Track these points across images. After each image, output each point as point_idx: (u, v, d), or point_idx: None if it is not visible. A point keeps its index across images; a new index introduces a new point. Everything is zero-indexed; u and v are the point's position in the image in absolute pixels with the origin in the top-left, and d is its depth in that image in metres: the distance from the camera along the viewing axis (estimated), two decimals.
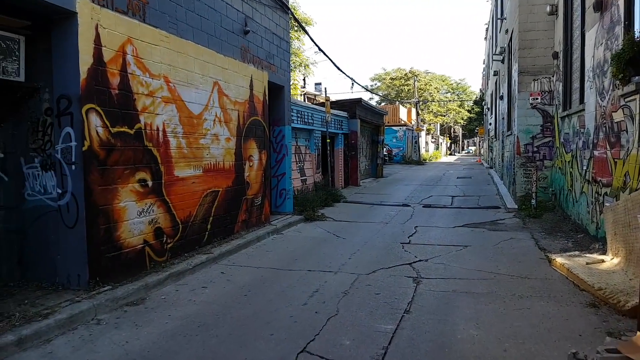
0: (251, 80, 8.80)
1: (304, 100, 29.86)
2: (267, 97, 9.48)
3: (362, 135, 21.15)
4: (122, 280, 5.46)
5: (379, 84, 62.68)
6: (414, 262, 7.02)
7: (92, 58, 5.07)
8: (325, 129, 15.03)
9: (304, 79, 34.72)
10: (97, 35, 5.14)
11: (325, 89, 15.79)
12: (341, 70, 17.74)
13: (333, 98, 23.73)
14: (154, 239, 6.10)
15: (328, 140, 14.86)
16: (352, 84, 21.96)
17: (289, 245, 8.25)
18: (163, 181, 6.27)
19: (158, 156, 6.16)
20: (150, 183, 6.01)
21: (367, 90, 27.21)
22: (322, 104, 15.37)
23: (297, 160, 13.53)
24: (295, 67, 26.82)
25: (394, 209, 12.89)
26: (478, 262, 6.94)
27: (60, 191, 5.06)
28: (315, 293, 5.59)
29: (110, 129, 5.34)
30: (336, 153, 17.85)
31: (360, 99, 18.94)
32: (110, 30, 5.34)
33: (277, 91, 10.46)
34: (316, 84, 53.10)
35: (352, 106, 18.87)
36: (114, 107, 5.39)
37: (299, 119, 13.26)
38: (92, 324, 4.58)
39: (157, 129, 6.16)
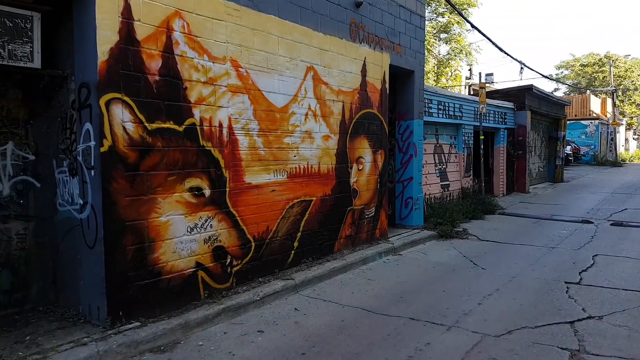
0: (364, 64, 7.14)
1: (469, 93, 26.82)
2: (387, 85, 7.72)
3: (533, 131, 17.71)
4: (161, 315, 4.37)
5: (566, 72, 54.69)
6: (579, 320, 4.67)
7: (118, 35, 4.03)
8: (478, 123, 12.53)
9: (469, 69, 31.37)
10: (127, 7, 4.09)
11: (480, 74, 13.23)
12: (505, 52, 14.79)
13: (498, 87, 20.59)
14: (212, 260, 4.92)
15: (482, 137, 12.34)
16: (522, 68, 18.44)
17: (402, 274, 6.40)
18: (227, 189, 5.06)
19: (220, 158, 4.96)
20: (207, 192, 4.83)
21: (543, 76, 23.08)
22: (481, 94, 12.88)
23: (437, 161, 11.38)
24: (455, 55, 24.12)
25: (568, 226, 9.92)
26: None
27: (81, 202, 4.16)
28: None
29: (146, 124, 4.26)
30: (495, 152, 15.02)
31: (531, 85, 15.67)
32: (148, 0, 4.26)
33: (404, 77, 8.60)
34: (487, 75, 48.25)
35: (519, 95, 15.73)
36: (152, 98, 4.31)
37: (440, 112, 11.11)
38: None
39: (220, 125, 4.96)
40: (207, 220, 4.84)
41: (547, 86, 58.55)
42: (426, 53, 23.15)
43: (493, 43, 13.53)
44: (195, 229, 4.72)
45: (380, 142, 7.61)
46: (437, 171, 11.29)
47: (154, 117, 4.32)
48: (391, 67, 7.89)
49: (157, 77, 4.34)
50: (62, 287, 4.53)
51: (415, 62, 8.59)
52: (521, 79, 22.03)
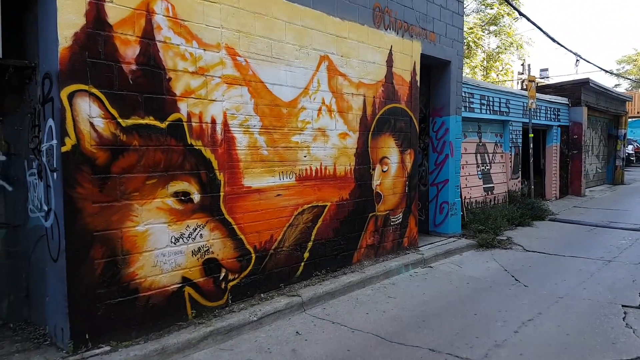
0: (390, 54, 6.38)
1: (521, 89, 25.07)
2: (417, 77, 6.91)
3: (590, 128, 16.22)
4: (137, 338, 3.83)
5: (628, 67, 51.08)
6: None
7: (85, 19, 3.51)
8: (527, 120, 11.41)
9: (522, 64, 29.44)
10: None
11: (529, 66, 12.09)
12: (559, 43, 13.50)
13: (551, 82, 19.01)
14: (202, 275, 4.34)
15: (531, 135, 11.21)
16: (577, 61, 16.95)
17: (429, 290, 5.60)
18: (222, 194, 4.46)
19: (213, 159, 4.37)
20: (196, 197, 4.26)
21: (602, 70, 21.25)
22: (542, 89, 11.73)
23: (480, 161, 10.38)
24: (505, 49, 22.69)
25: (628, 235, 8.73)
26: None
27: (46, 208, 3.68)
28: None
29: (120, 120, 3.73)
30: (547, 152, 13.76)
31: (588, 79, 14.27)
32: None
33: (439, 69, 7.75)
34: (542, 70, 45.76)
35: (574, 89, 14.37)
36: (127, 90, 3.77)
37: (484, 107, 10.11)
38: None
39: (213, 122, 4.37)
40: (196, 229, 4.26)
41: (607, 82, 54.80)
42: (473, 46, 21.92)
43: (544, 32, 12.33)
44: (181, 240, 4.15)
45: (409, 140, 6.82)
46: (479, 172, 10.30)
47: (129, 112, 3.78)
48: (424, 57, 7.08)
49: (133, 67, 3.80)
50: (33, 302, 4.09)
51: (452, 52, 7.71)
52: (576, 72, 20.27)
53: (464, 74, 8.51)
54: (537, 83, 15.86)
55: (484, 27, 22.93)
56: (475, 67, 23.18)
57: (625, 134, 18.77)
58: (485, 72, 24.17)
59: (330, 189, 5.62)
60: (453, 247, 7.30)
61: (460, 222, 8.24)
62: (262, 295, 4.85)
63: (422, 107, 8.14)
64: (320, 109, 5.43)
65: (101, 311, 3.65)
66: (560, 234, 8.95)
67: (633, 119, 29.18)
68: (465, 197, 9.53)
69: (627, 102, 19.16)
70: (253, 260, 4.78)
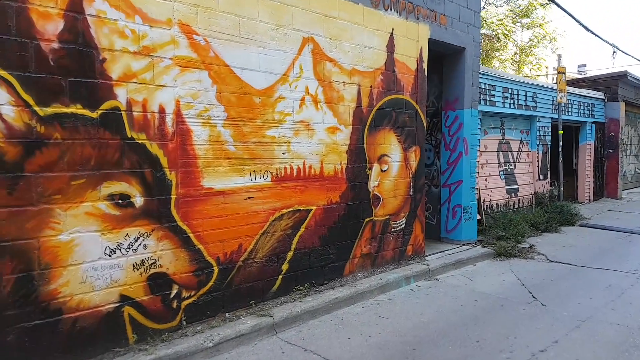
0: (390, 37, 5.59)
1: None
2: (425, 65, 6.08)
3: (629, 125, 14.89)
4: None
5: None
6: None
7: None
8: (557, 116, 10.37)
9: (557, 59, 27.74)
10: None
11: (560, 56, 11.02)
12: (593, 33, 12.38)
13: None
14: (147, 292, 3.68)
15: (561, 132, 10.16)
16: (614, 52, 15.65)
17: (428, 309, 4.79)
18: (174, 196, 3.80)
19: (161, 155, 3.71)
20: (139, 200, 3.60)
21: None
22: (572, 84, 10.67)
23: (502, 160, 9.40)
24: (537, 42, 21.35)
25: None
26: None
27: None
28: None
29: (37, 109, 3.11)
30: (580, 151, 12.63)
31: (626, 72, 13.03)
32: None
33: (453, 57, 6.89)
34: (580, 66, 43.68)
35: (611, 83, 13.16)
36: (47, 73, 3.15)
37: (507, 100, 9.15)
38: None
39: (161, 111, 3.71)
40: (138, 238, 3.60)
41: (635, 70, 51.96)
42: (503, 39, 20.70)
43: (576, 20, 11.23)
44: (118, 251, 3.50)
45: (415, 136, 6.01)
46: (501, 173, 9.34)
47: (49, 99, 3.16)
48: (433, 43, 6.26)
49: (55, 45, 3.17)
50: None
51: (467, 37, 6.84)
52: (613, 65, 18.80)
53: (492, 67, 7.62)
54: (576, 80, 14.69)
55: (515, 19, 21.64)
56: (506, 60, 21.94)
57: None
58: (517, 67, 22.87)
59: (316, 191, 4.89)
60: (465, 257, 6.45)
61: (475, 228, 7.36)
62: (226, 314, 4.17)
63: (434, 100, 7.32)
64: (303, 99, 4.70)
65: (11, 336, 3.04)
66: (591, 242, 7.95)
67: None
68: (484, 199, 8.63)
69: None
70: (215, 275, 4.10)
